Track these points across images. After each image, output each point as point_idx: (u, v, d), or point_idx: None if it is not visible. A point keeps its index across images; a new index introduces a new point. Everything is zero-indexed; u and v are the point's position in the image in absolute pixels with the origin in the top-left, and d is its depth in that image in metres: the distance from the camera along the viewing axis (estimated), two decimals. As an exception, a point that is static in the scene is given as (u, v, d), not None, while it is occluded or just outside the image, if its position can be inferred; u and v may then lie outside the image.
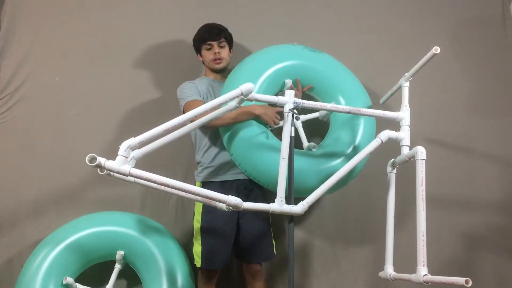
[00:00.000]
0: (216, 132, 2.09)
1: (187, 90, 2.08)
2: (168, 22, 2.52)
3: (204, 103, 1.91)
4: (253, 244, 2.10)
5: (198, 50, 2.21)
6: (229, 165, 2.07)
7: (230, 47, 2.22)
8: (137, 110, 2.42)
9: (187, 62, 2.46)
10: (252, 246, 2.10)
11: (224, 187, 2.00)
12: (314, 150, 2.02)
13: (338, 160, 1.94)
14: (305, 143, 2.09)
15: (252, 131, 1.88)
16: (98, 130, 2.37)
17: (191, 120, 1.66)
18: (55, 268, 1.97)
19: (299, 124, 2.09)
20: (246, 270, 2.17)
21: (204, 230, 2.06)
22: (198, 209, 2.09)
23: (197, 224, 2.08)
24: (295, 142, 1.80)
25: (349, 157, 1.90)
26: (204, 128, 2.00)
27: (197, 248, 2.07)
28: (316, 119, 2.19)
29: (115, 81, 2.45)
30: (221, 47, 2.15)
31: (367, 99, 2.10)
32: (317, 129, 2.25)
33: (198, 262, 2.05)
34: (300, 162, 1.86)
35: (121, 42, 2.48)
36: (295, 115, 1.71)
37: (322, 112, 2.14)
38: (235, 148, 1.90)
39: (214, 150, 2.09)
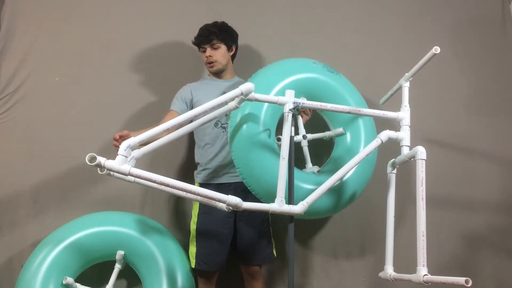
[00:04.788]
0: (215, 133, 2.09)
1: (175, 98, 2.14)
2: (168, 22, 2.52)
3: (178, 115, 1.96)
4: (251, 246, 2.10)
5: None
6: (227, 167, 2.07)
7: (230, 45, 2.17)
8: (137, 110, 2.41)
9: (187, 62, 2.46)
10: (250, 248, 2.10)
11: (222, 190, 1.98)
12: (317, 174, 1.99)
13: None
14: (309, 164, 2.06)
15: (257, 136, 1.84)
16: (98, 130, 2.37)
17: (191, 120, 1.66)
18: (55, 268, 1.97)
19: (304, 144, 2.06)
20: (245, 271, 2.17)
21: (199, 232, 2.07)
22: (195, 211, 2.10)
23: (193, 226, 2.10)
24: (298, 161, 1.78)
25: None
26: None
27: (192, 249, 2.08)
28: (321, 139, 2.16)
29: (115, 81, 2.44)
30: (215, 49, 2.12)
31: (374, 132, 2.07)
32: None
33: (192, 263, 2.07)
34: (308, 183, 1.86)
35: (121, 42, 2.47)
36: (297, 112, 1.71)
37: (328, 133, 2.13)
38: (236, 148, 1.88)
39: (212, 151, 2.09)
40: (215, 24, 2.15)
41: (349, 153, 1.96)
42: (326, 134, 2.13)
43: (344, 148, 2.04)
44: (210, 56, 2.11)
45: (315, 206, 1.72)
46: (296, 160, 1.80)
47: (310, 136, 2.10)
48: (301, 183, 1.83)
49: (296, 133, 2.04)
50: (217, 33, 2.11)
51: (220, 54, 2.13)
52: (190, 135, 2.30)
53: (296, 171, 1.86)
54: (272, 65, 2.03)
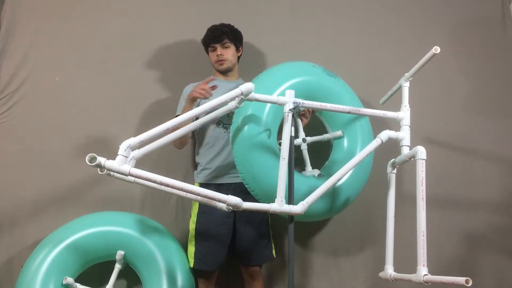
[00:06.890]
0: (217, 133, 2.09)
1: (180, 101, 2.14)
2: (169, 23, 2.52)
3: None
4: (251, 246, 2.10)
5: (206, 51, 2.23)
6: (227, 168, 2.07)
7: (238, 46, 2.21)
8: (138, 110, 2.41)
9: (187, 62, 2.47)
10: (250, 248, 2.10)
11: (222, 190, 1.98)
12: (318, 177, 1.99)
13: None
14: (308, 167, 2.07)
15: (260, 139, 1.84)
16: (98, 130, 2.37)
17: (192, 120, 1.66)
18: (55, 268, 1.97)
19: (304, 147, 2.07)
20: (244, 271, 2.17)
21: (198, 231, 2.07)
22: (194, 210, 2.11)
23: (192, 225, 2.10)
24: (298, 165, 1.78)
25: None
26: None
27: (190, 249, 2.09)
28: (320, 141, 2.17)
29: (115, 80, 2.44)
30: (225, 48, 2.15)
31: (371, 135, 2.08)
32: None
33: (191, 262, 2.07)
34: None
35: (122, 42, 2.48)
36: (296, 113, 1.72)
37: (326, 136, 2.13)
38: (237, 149, 1.88)
39: (212, 151, 2.10)
40: (225, 24, 2.19)
41: (347, 156, 1.97)
42: (325, 136, 2.14)
43: (342, 151, 2.05)
44: (221, 54, 2.14)
45: (311, 208, 1.73)
46: (296, 163, 1.80)
47: (309, 139, 2.10)
48: (300, 186, 1.82)
49: (296, 136, 2.04)
50: (228, 33, 2.15)
51: (230, 53, 2.17)
52: (191, 135, 2.30)
53: (296, 174, 1.86)
54: (272, 69, 2.04)
